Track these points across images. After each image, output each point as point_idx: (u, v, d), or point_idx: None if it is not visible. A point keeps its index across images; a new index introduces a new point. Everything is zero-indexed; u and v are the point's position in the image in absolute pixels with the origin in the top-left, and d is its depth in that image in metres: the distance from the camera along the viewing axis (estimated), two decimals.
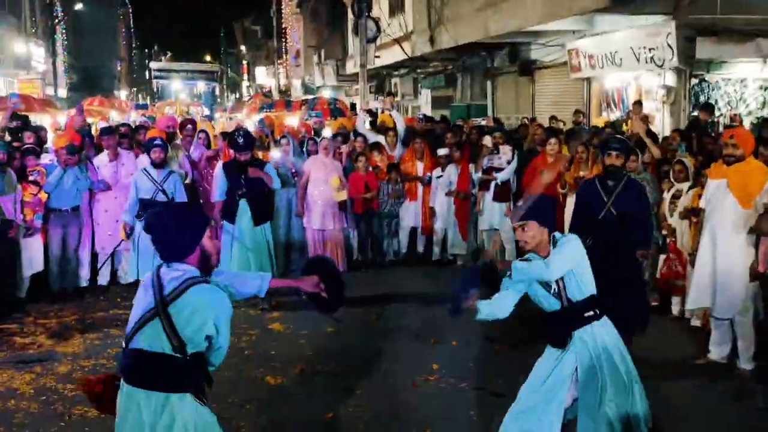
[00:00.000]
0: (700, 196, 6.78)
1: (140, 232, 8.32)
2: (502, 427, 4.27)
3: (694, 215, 7.03)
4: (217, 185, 8.47)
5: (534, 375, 4.33)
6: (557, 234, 4.24)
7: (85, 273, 9.04)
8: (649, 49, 12.45)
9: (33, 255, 8.48)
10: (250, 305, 8.31)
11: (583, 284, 4.20)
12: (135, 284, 8.42)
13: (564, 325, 4.21)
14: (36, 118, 12.57)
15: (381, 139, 11.15)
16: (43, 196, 8.50)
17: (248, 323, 7.76)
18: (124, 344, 3.33)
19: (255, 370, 6.36)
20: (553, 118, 13.40)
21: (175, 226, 3.35)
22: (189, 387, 3.30)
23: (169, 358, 3.22)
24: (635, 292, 6.12)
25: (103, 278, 9.31)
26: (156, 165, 8.44)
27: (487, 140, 10.11)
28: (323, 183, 9.65)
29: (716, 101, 12.59)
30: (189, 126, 10.57)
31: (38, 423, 5.33)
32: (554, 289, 4.14)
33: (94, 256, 9.23)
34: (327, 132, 12.46)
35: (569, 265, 4.13)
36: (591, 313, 4.21)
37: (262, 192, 8.35)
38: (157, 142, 8.58)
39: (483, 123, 14.06)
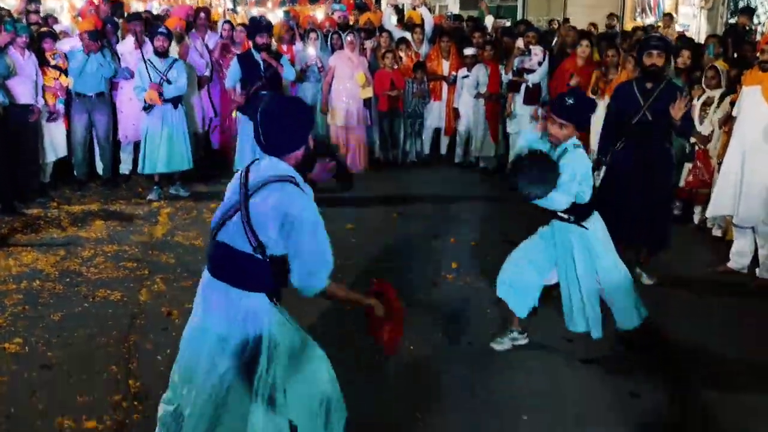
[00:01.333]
0: (733, 103, 6.61)
1: (148, 125, 8.25)
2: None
3: (726, 123, 6.88)
4: (231, 72, 8.36)
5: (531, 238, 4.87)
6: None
7: (107, 161, 9.05)
8: None
9: (56, 141, 8.48)
10: None
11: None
12: (153, 176, 8.46)
13: (546, 212, 4.60)
14: (56, 5, 12.29)
15: (407, 35, 10.88)
16: (65, 80, 8.43)
17: None
18: (211, 234, 3.19)
19: None
20: (591, 25, 12.96)
21: (289, 117, 3.12)
22: (264, 289, 3.13)
23: (249, 257, 3.05)
24: (661, 205, 6.00)
25: (126, 167, 9.34)
26: (159, 54, 8.26)
27: (519, 42, 9.84)
28: (348, 79, 9.49)
29: (756, 7, 12.09)
30: (202, 14, 10.24)
31: (63, 303, 5.44)
32: None
33: (117, 145, 9.23)
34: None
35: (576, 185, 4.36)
36: (565, 216, 4.53)
37: (280, 84, 8.28)
38: (162, 30, 8.33)
39: (507, 24, 13.63)
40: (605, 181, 5.97)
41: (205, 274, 3.24)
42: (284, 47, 9.96)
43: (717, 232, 7.31)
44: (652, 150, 5.81)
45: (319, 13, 12.85)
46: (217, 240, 3.14)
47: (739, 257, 6.38)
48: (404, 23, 11.94)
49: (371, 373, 4.47)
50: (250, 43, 8.49)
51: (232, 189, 3.20)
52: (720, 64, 7.67)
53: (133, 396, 4.16)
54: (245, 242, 3.04)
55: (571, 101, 4.33)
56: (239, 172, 3.22)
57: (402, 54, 10.33)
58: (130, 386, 4.27)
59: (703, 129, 7.34)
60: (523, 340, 4.93)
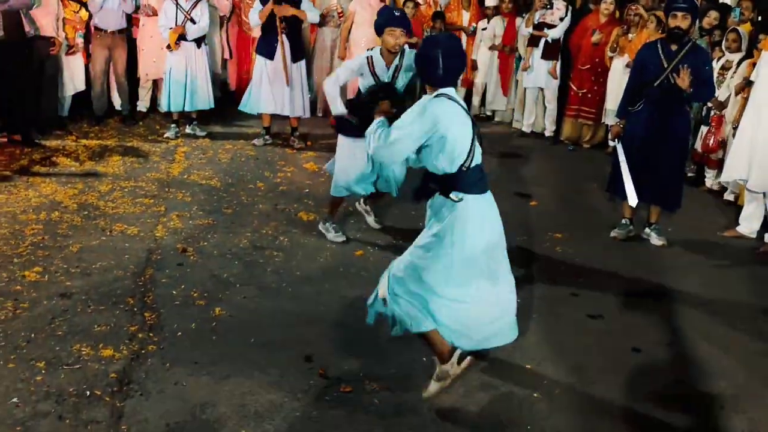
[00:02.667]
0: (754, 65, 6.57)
1: (172, 64, 8.26)
2: None
3: (743, 89, 6.86)
4: (254, 12, 8.17)
5: None
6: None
7: (125, 97, 9.08)
8: None
9: (75, 74, 8.53)
10: (287, 145, 8.41)
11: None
12: (170, 114, 8.51)
13: None
14: None
15: None
16: (84, 15, 8.44)
17: (284, 160, 7.88)
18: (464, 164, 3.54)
19: (289, 205, 6.51)
20: None
21: (463, 56, 3.72)
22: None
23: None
24: (675, 166, 6.03)
25: (143, 104, 9.39)
26: None
27: None
28: (368, 25, 9.42)
29: None
30: None
31: (81, 235, 5.55)
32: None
33: (136, 82, 9.27)
34: None
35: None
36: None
37: (299, 28, 8.25)
38: None
39: None
40: (623, 140, 6.00)
41: (480, 197, 3.60)
42: None
43: (729, 196, 7.35)
44: (671, 112, 5.81)
45: None
46: (476, 165, 3.58)
47: (748, 222, 6.43)
48: None
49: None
50: None
51: (460, 119, 3.52)
52: (744, 28, 7.60)
53: (148, 328, 4.28)
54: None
55: None
56: (449, 100, 3.53)
57: (420, 0, 10.22)
58: (146, 318, 4.39)
59: (720, 94, 7.31)
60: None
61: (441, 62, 3.52)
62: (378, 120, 3.74)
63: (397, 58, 5.30)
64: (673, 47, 5.76)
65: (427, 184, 3.67)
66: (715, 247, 6.25)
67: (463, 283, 3.57)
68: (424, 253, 3.61)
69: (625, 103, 6.07)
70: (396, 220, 6.27)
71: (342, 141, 5.56)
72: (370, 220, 6.13)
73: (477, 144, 3.59)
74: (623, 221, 6.24)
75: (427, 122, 3.46)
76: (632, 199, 5.78)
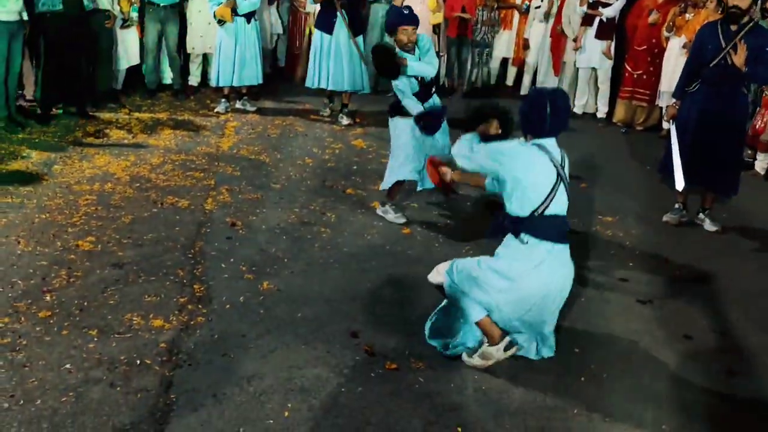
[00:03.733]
0: None
1: (221, 39, 8.29)
2: None
3: None
4: None
5: None
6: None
7: (177, 72, 9.16)
8: None
9: (129, 47, 8.62)
10: (335, 122, 8.41)
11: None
12: (221, 89, 8.55)
13: None
14: None
15: None
16: None
17: (332, 137, 7.88)
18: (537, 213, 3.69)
19: (337, 182, 6.52)
20: None
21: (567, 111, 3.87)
22: None
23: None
24: (733, 150, 5.87)
25: (194, 79, 9.47)
26: None
27: None
28: (419, 3, 9.34)
29: None
30: None
31: (133, 206, 5.64)
32: None
33: (187, 56, 9.35)
34: None
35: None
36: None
37: (358, 3, 8.22)
38: None
39: None
40: (678, 123, 5.86)
41: (551, 245, 3.71)
42: None
43: None
44: (728, 94, 5.66)
45: None
46: (552, 215, 3.70)
47: None
48: None
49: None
50: None
51: (543, 169, 3.66)
52: None
53: (197, 299, 4.34)
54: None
55: None
56: (539, 149, 3.68)
57: None
58: (195, 290, 4.45)
59: None
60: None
61: (548, 118, 3.67)
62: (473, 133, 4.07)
63: (416, 50, 5.49)
64: (733, 27, 5.60)
65: (501, 222, 3.82)
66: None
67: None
68: (485, 271, 3.76)
69: (682, 84, 5.93)
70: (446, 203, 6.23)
71: (403, 127, 5.55)
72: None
73: (560, 194, 3.70)
74: (676, 206, 6.12)
75: (505, 159, 3.67)
76: (679, 183, 5.66)
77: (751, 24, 5.62)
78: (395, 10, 5.86)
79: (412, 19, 5.46)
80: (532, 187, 3.65)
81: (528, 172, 3.63)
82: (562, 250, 3.77)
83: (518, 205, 3.69)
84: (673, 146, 5.78)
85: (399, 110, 5.53)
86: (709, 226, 6.03)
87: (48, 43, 7.43)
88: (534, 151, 3.67)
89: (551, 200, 3.67)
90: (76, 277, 4.49)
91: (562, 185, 3.70)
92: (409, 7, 5.77)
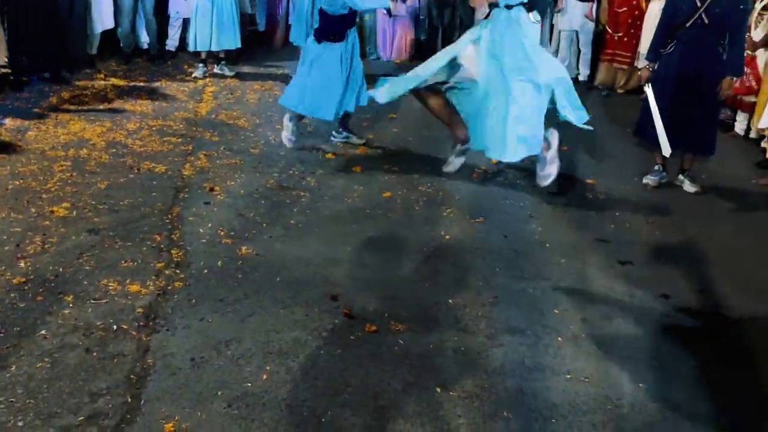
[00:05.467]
0: None
1: (198, 3, 8.16)
2: None
3: None
4: None
5: None
6: None
7: (153, 36, 9.01)
8: None
9: (104, 11, 8.46)
10: None
11: None
12: (199, 54, 8.42)
13: None
14: None
15: None
16: None
17: None
18: None
19: (317, 146, 6.46)
20: None
21: None
22: None
23: None
24: (709, 111, 5.85)
25: (173, 43, 9.32)
26: None
27: None
28: None
29: None
30: None
31: (109, 172, 5.56)
32: None
33: (165, 20, 9.19)
34: None
35: None
36: None
37: None
38: None
39: None
40: (654, 84, 5.83)
41: None
42: None
43: (763, 143, 7.15)
44: (703, 54, 5.63)
45: None
46: None
47: None
48: None
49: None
50: None
51: None
52: None
53: (175, 264, 4.30)
54: None
55: None
56: None
57: None
58: (173, 255, 4.40)
59: (756, 34, 7.04)
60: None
61: None
62: None
63: None
64: None
65: None
66: (750, 195, 6.11)
67: None
68: None
69: (656, 45, 5.89)
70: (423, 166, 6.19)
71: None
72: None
73: None
74: (656, 167, 6.12)
75: None
76: (666, 149, 5.64)
77: None
78: None
79: None
80: None
81: None
82: None
83: None
84: (653, 111, 5.74)
85: (328, 35, 5.85)
86: (688, 187, 6.04)
87: (11, 5, 7.22)
88: None
89: None
90: (50, 243, 4.42)
91: None
92: None
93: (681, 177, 6.10)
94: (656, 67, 5.87)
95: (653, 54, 5.92)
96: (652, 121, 5.72)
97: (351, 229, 4.93)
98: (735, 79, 5.76)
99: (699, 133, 5.86)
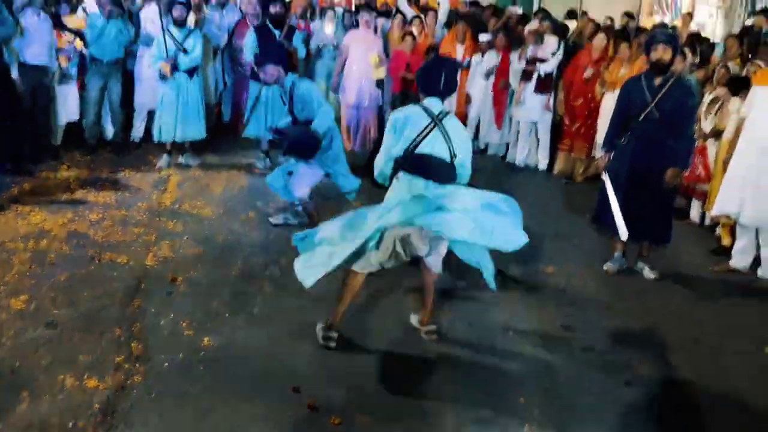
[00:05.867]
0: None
1: (164, 94, 8.29)
2: None
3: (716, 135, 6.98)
4: (247, 44, 8.60)
5: None
6: None
7: (118, 127, 9.06)
8: None
9: (68, 103, 8.52)
10: None
11: None
12: (163, 144, 8.48)
13: None
14: None
15: (421, 17, 10.85)
16: (79, 44, 8.46)
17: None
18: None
19: (281, 235, 6.46)
20: (609, 18, 12.87)
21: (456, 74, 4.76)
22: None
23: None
24: (663, 201, 6.00)
25: (138, 134, 9.37)
26: (177, 23, 8.26)
27: (533, 25, 9.85)
28: (362, 59, 9.48)
29: None
30: None
31: (70, 264, 5.50)
32: None
33: (130, 111, 9.27)
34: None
35: None
36: None
37: (294, 59, 8.37)
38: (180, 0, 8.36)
39: (520, 12, 13.57)
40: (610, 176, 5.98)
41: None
42: (302, 24, 9.97)
43: (718, 230, 7.32)
44: (654, 151, 5.79)
45: None
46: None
47: (741, 256, 6.40)
48: (420, 6, 11.91)
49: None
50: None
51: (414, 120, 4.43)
52: (736, 63, 7.66)
53: (135, 358, 4.22)
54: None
55: None
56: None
57: (414, 29, 10.24)
58: (133, 348, 4.32)
59: (706, 125, 7.32)
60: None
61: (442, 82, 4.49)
62: None
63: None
64: (657, 81, 5.77)
65: None
66: (708, 281, 6.21)
67: None
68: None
69: (611, 136, 6.08)
70: None
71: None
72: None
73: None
74: (616, 254, 6.22)
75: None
76: (623, 234, 5.74)
77: (674, 78, 5.81)
78: None
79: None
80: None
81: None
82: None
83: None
84: (610, 197, 5.86)
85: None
86: (648, 273, 6.14)
87: None
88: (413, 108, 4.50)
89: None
90: (7, 337, 4.33)
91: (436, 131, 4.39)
92: None
93: (640, 264, 6.20)
94: (612, 156, 6.04)
95: (608, 145, 6.10)
96: (610, 207, 5.84)
97: (313, 320, 4.88)
98: (683, 170, 5.93)
99: (654, 224, 5.99)
